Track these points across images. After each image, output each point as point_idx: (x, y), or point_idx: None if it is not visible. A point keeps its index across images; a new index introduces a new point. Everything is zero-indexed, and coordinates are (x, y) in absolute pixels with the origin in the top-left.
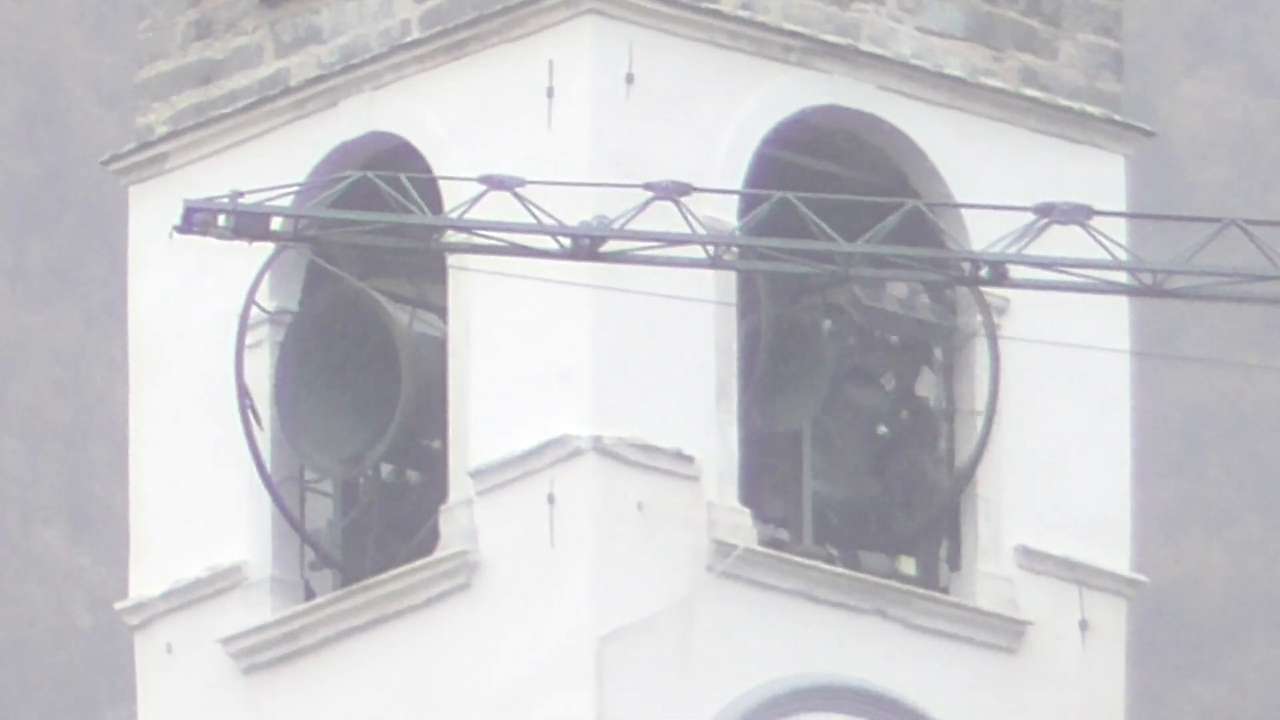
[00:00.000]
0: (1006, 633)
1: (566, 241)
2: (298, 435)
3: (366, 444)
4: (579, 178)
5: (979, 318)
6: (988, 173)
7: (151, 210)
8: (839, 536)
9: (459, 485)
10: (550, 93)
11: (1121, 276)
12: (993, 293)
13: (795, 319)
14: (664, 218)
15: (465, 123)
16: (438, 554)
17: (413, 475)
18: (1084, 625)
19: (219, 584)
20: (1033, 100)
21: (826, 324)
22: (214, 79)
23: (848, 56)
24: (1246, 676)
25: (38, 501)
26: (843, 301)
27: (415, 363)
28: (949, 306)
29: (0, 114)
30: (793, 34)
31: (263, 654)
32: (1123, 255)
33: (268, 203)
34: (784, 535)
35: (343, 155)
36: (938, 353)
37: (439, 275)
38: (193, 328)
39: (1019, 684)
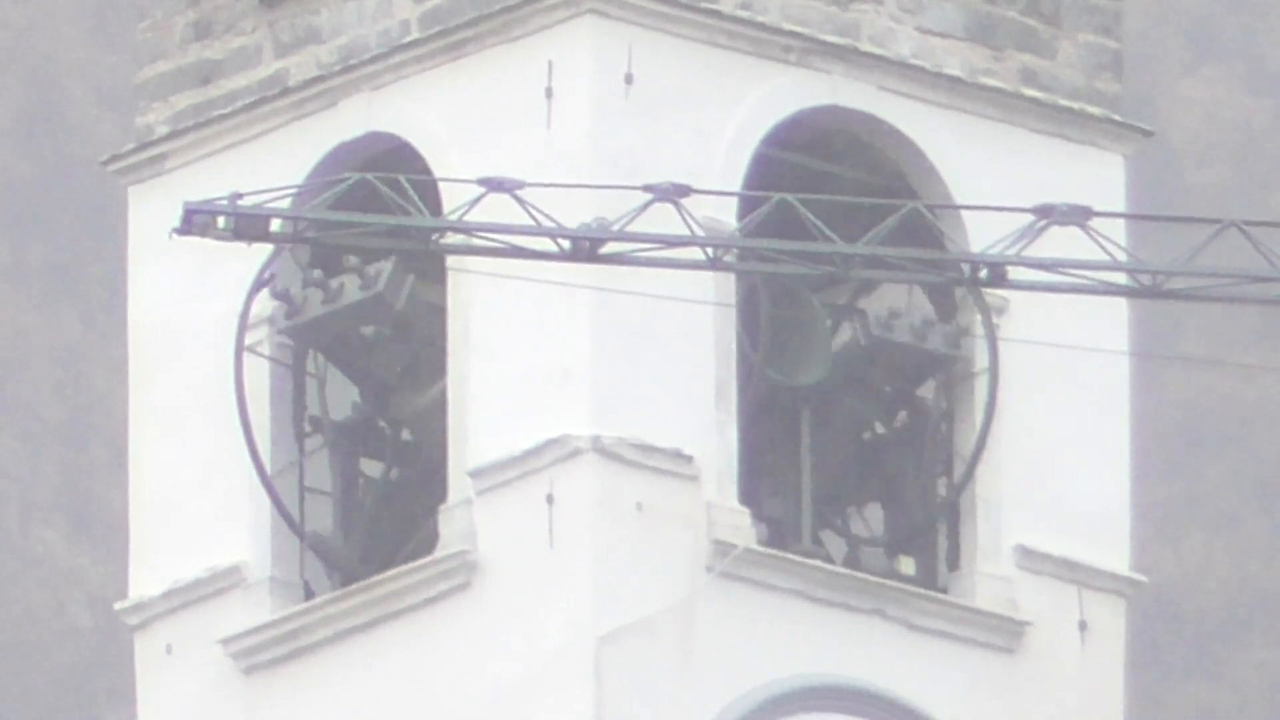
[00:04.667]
0: (1006, 633)
1: (566, 243)
2: None
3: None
4: (578, 178)
5: (979, 319)
6: (987, 173)
7: (151, 210)
8: (838, 536)
9: (459, 485)
10: (549, 93)
11: (1121, 277)
12: (992, 293)
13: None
14: (663, 219)
15: (465, 123)
16: (437, 554)
17: (412, 475)
18: (1083, 625)
19: (219, 584)
20: (1032, 100)
21: (806, 419)
22: (213, 79)
23: (847, 56)
24: (1246, 676)
25: (38, 501)
26: (854, 322)
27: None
28: (958, 332)
29: (0, 114)
30: (792, 34)
31: (262, 654)
32: (1122, 256)
33: (267, 204)
34: (782, 535)
35: (342, 156)
36: (940, 376)
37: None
38: (193, 328)
39: (1018, 684)
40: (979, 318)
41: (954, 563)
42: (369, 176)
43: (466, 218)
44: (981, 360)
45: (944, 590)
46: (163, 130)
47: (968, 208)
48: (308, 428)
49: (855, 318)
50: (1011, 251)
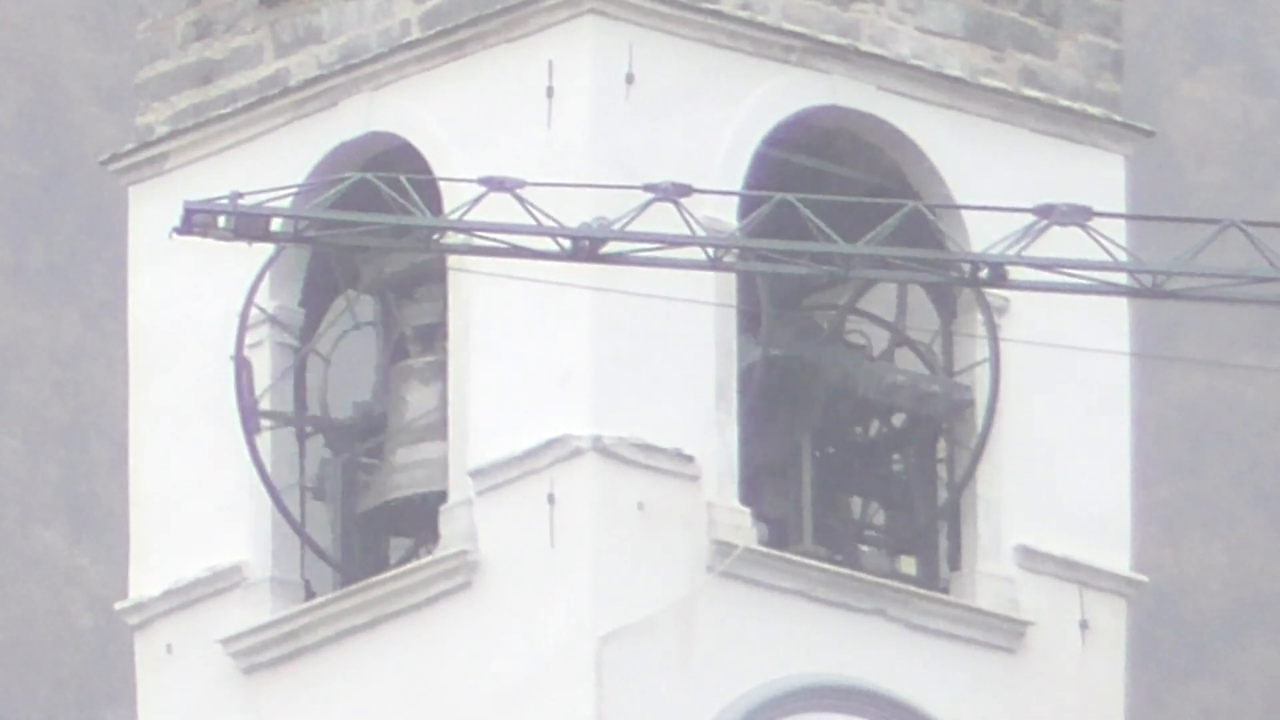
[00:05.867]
0: (1007, 633)
1: (566, 243)
2: None
3: None
4: (579, 178)
5: (980, 319)
6: (988, 173)
7: (151, 210)
8: (838, 537)
9: (459, 485)
10: (550, 93)
11: (1121, 277)
12: (993, 293)
13: (790, 358)
14: (664, 219)
15: (465, 123)
16: (438, 554)
17: (412, 475)
18: (1084, 625)
19: (219, 584)
20: (1033, 100)
21: (820, 360)
22: (214, 79)
23: (848, 56)
24: (1246, 676)
25: (38, 501)
26: (858, 383)
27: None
28: (961, 406)
29: (0, 114)
30: (793, 34)
31: (263, 654)
32: (1122, 256)
33: (267, 204)
34: (782, 534)
35: (342, 155)
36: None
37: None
38: (193, 328)
39: (1019, 684)
40: (980, 317)
41: (955, 562)
42: (370, 176)
43: (467, 217)
44: (982, 360)
45: (945, 590)
46: (163, 130)
47: (968, 208)
48: (308, 428)
49: (862, 371)
50: (1012, 251)
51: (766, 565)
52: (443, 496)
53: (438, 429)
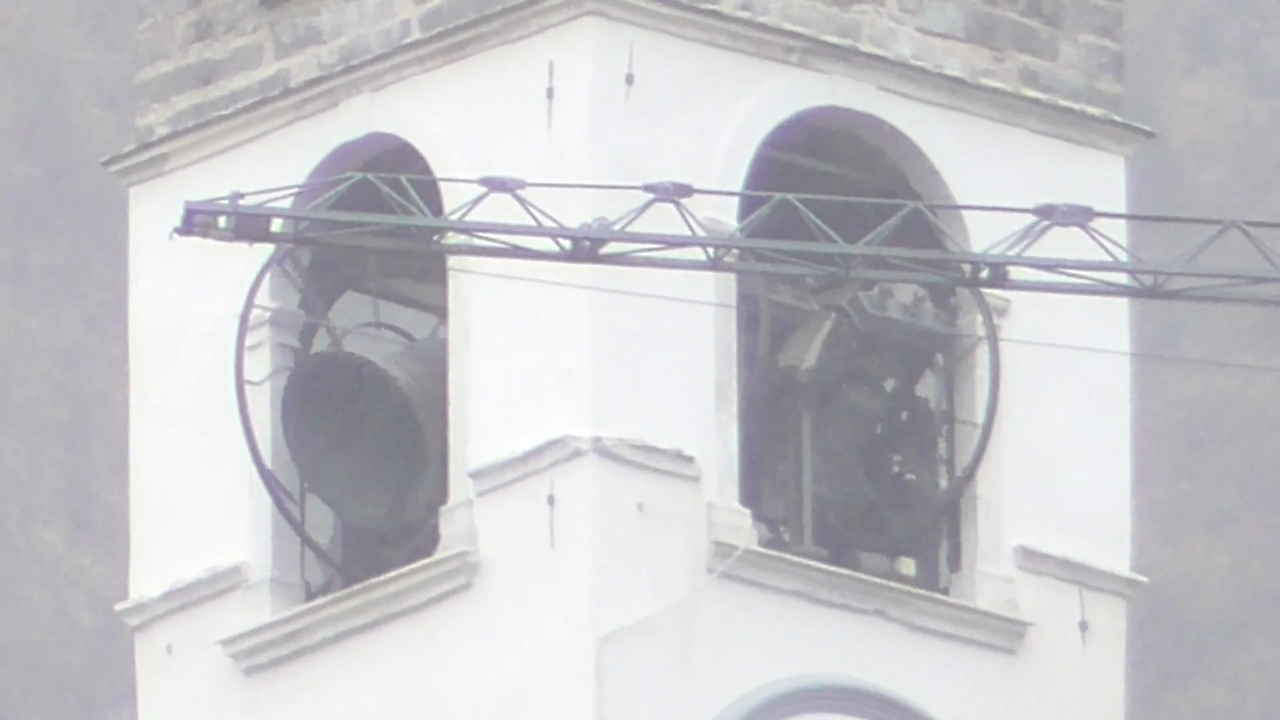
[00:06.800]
0: (1006, 633)
1: (567, 244)
2: (324, 490)
3: (393, 492)
4: (579, 178)
5: (980, 319)
6: (988, 174)
7: (151, 211)
8: (838, 537)
9: (459, 486)
10: (550, 94)
11: (1122, 278)
12: (993, 294)
13: (780, 410)
14: (664, 219)
15: (465, 124)
16: (438, 555)
17: (413, 476)
18: (1084, 626)
19: (219, 585)
20: (1033, 101)
21: (806, 420)
22: (214, 80)
23: (848, 57)
24: (1246, 676)
25: (38, 501)
26: (845, 304)
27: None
28: (952, 313)
29: (0, 114)
30: (793, 34)
31: (263, 655)
32: (1123, 257)
33: (268, 204)
34: (783, 535)
35: (343, 156)
36: (940, 358)
37: (438, 275)
38: (193, 328)
39: (1019, 684)
40: (980, 318)
41: (955, 563)
42: (370, 176)
43: (467, 218)
44: (983, 361)
45: (945, 591)
46: (163, 131)
47: (969, 208)
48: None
49: (850, 304)
50: (1013, 252)
51: (766, 566)
52: (379, 373)
53: (406, 347)
